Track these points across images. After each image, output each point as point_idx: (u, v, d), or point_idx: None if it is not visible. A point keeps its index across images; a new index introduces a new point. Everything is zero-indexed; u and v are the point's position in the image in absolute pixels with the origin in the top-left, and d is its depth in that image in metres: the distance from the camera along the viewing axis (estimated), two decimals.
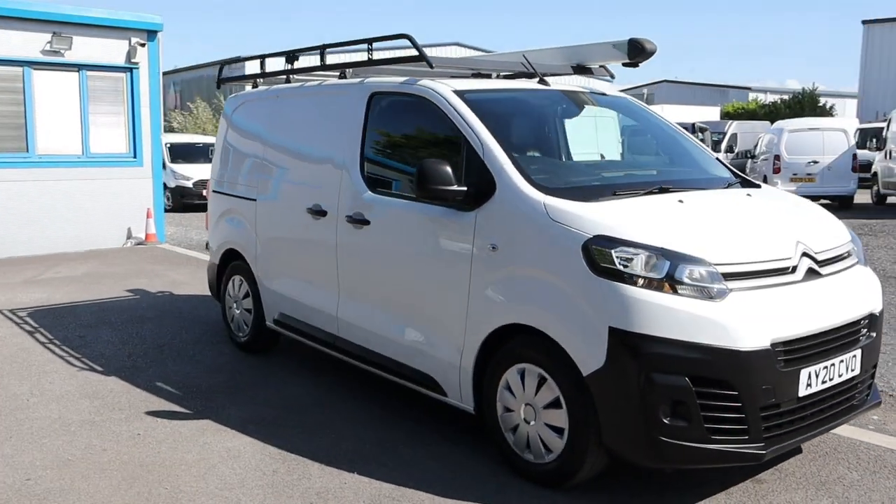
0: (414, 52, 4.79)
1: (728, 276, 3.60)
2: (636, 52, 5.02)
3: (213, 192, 6.76)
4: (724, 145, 26.70)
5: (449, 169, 4.16)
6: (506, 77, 5.42)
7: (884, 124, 23.56)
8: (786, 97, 38.61)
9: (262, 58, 6.26)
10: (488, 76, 5.42)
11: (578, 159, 4.99)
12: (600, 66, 5.58)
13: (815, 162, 18.22)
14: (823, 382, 3.76)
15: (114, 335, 6.99)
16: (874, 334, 4.10)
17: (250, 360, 6.22)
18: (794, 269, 3.80)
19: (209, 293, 7.25)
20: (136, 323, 7.43)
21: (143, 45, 12.37)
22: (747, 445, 3.53)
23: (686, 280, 3.54)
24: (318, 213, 5.29)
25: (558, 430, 3.85)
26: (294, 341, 6.51)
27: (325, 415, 5.02)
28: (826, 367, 3.75)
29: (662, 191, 4.27)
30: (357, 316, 5.06)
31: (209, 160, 20.17)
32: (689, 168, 4.97)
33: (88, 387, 5.58)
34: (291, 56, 5.92)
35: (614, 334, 3.54)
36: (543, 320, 3.82)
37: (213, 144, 20.92)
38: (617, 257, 3.60)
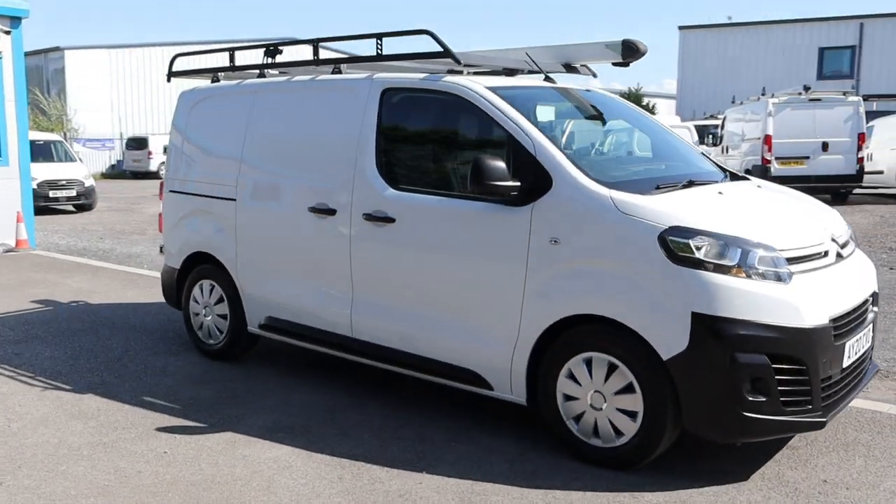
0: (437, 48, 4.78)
1: (788, 261, 3.92)
2: (630, 52, 5.26)
3: (171, 192, 6.34)
4: None
5: (504, 165, 4.22)
6: (507, 73, 5.49)
7: (709, 122, 25.69)
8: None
9: (231, 50, 5.97)
10: (512, 73, 5.41)
11: (608, 154, 5.18)
12: (583, 66, 5.80)
13: None
14: (855, 353, 4.18)
15: (55, 350, 6.40)
16: (876, 309, 4.60)
17: (232, 368, 5.91)
18: (827, 253, 4.19)
19: (128, 301, 6.80)
20: (71, 336, 6.83)
21: (7, 32, 11.28)
22: (812, 415, 3.86)
23: (758, 265, 3.81)
24: (325, 211, 5.13)
25: (631, 414, 4.01)
26: (273, 346, 6.30)
27: (355, 418, 4.89)
28: (857, 340, 4.18)
29: (692, 184, 4.55)
30: (377, 315, 4.97)
31: (56, 159, 18.76)
32: (686, 162, 5.28)
33: (69, 407, 5.10)
34: (273, 50, 5.69)
35: (698, 319, 3.75)
36: (616, 309, 3.97)
37: (57, 142, 19.38)
38: (695, 247, 3.82)
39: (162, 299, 6.85)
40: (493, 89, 4.63)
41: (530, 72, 5.40)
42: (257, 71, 5.97)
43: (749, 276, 3.79)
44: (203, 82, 6.46)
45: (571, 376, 4.19)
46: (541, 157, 4.26)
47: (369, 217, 4.90)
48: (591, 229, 4.07)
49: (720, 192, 4.42)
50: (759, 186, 4.90)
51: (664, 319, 3.84)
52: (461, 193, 4.59)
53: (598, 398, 4.10)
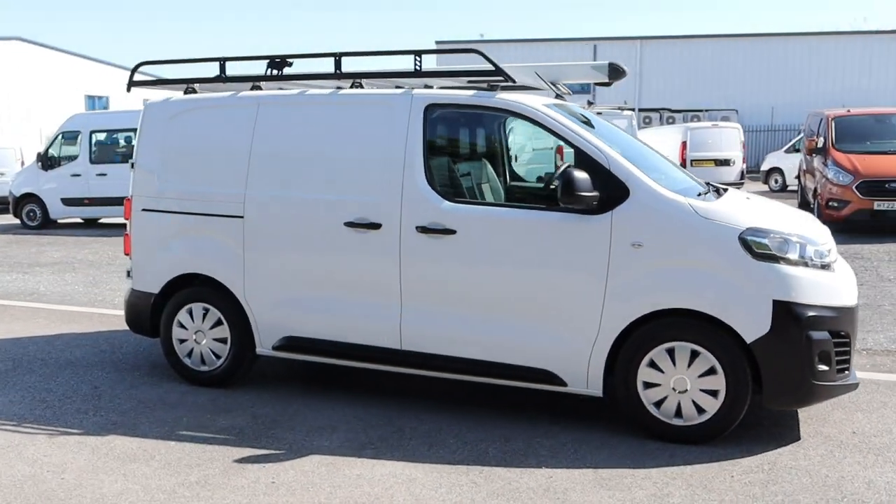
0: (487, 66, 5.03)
1: None
2: (615, 74, 5.85)
3: (144, 211, 5.85)
4: None
5: (589, 177, 4.60)
6: (512, 89, 5.78)
7: None
8: None
9: (222, 60, 5.68)
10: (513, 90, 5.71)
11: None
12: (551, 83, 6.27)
13: None
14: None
15: (18, 393, 5.65)
16: None
17: (238, 394, 5.61)
18: (831, 250, 5.07)
19: (36, 334, 6.19)
20: (23, 374, 6.05)
21: None
22: (851, 378, 4.68)
23: (813, 257, 4.56)
24: (367, 226, 5.14)
25: (713, 393, 4.58)
26: (257, 368, 6.09)
27: (421, 427, 4.96)
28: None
29: (719, 192, 5.24)
30: (432, 325, 5.08)
31: None
32: (677, 174, 5.92)
33: (106, 451, 4.62)
34: (280, 62, 5.53)
35: (778, 305, 4.41)
36: (702, 302, 4.52)
37: None
38: (769, 244, 4.48)
39: (78, 329, 6.28)
40: (551, 107, 4.97)
41: (511, 87, 5.66)
42: (237, 82, 5.75)
43: (808, 266, 4.53)
44: (163, 93, 6.06)
45: (652, 365, 4.66)
46: (615, 170, 4.69)
47: (424, 230, 5.01)
48: (675, 233, 4.58)
49: (748, 198, 5.15)
50: (748, 197, 5.70)
51: (748, 308, 4.45)
52: (530, 204, 4.89)
53: (682, 382, 4.61)
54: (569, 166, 4.66)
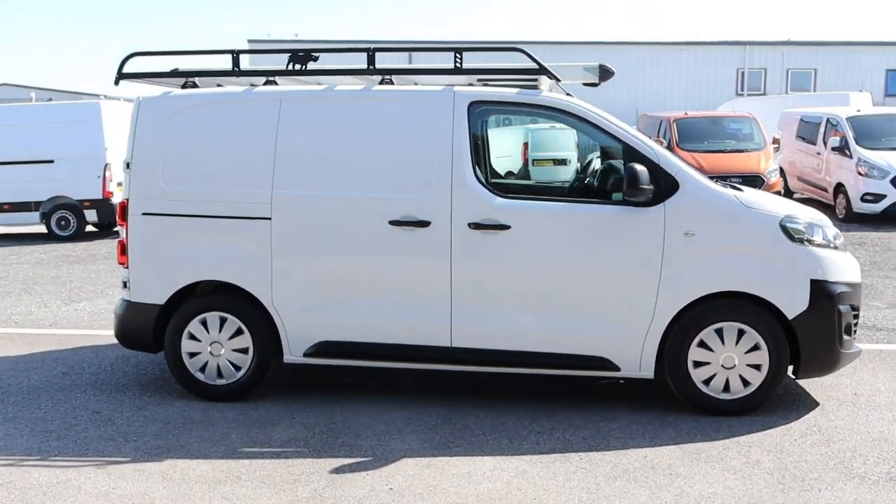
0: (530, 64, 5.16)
1: None
2: (606, 74, 6.18)
3: (146, 215, 5.34)
4: None
5: (647, 171, 4.88)
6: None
7: None
8: None
9: (235, 53, 5.34)
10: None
11: None
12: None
13: None
14: None
15: (9, 426, 4.97)
16: None
17: (271, 406, 5.29)
18: (838, 233, 5.67)
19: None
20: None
21: None
22: (857, 347, 5.32)
23: (832, 240, 5.14)
24: (415, 223, 5.08)
25: (756, 367, 5.02)
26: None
27: (486, 424, 4.99)
28: None
29: (732, 184, 5.73)
30: (485, 320, 5.11)
31: None
32: None
33: (173, 474, 4.24)
34: (304, 56, 5.29)
35: (815, 283, 4.94)
36: (750, 284, 4.94)
37: None
38: (803, 229, 4.99)
39: (14, 352, 5.68)
40: (582, 106, 5.19)
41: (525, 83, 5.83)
42: (255, 76, 5.45)
43: (829, 248, 5.10)
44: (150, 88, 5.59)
45: (702, 345, 5.03)
46: (664, 164, 5.00)
47: (477, 226, 5.05)
48: (724, 221, 4.97)
49: (757, 189, 5.67)
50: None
51: (789, 287, 4.93)
52: (583, 198, 5.09)
53: (730, 359, 5.01)
54: (630, 163, 4.90)
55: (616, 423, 4.96)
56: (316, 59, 5.32)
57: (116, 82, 5.52)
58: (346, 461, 4.44)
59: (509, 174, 12.91)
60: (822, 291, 4.95)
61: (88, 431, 4.90)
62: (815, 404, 5.27)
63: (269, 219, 5.24)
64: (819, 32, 70.91)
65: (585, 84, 6.22)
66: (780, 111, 20.38)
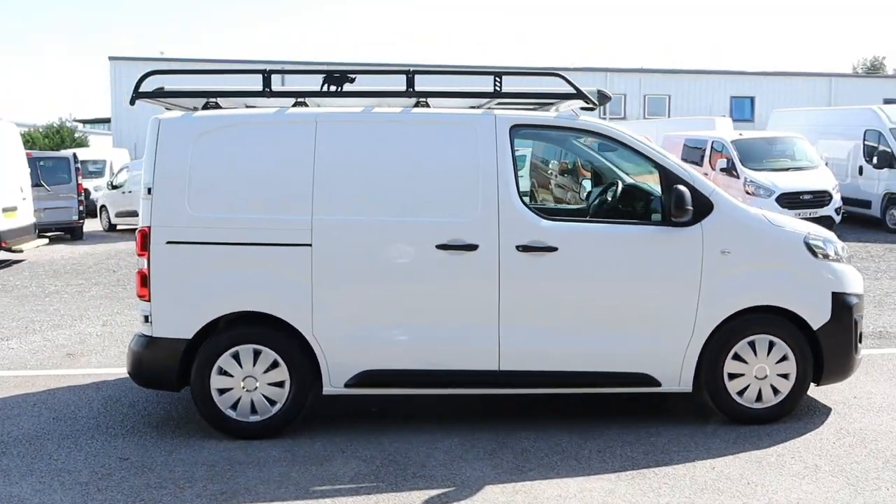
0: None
1: None
2: (604, 99, 6.40)
3: (171, 243, 4.98)
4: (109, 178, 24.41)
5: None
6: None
7: None
8: (41, 128, 37.57)
9: (266, 73, 5.10)
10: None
11: None
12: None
13: None
14: None
15: (33, 479, 4.46)
16: None
17: (306, 440, 5.04)
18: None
19: None
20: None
21: None
22: (860, 353, 5.74)
23: (841, 254, 5.52)
24: (463, 247, 5.04)
25: (785, 376, 5.31)
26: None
27: (540, 444, 5.00)
28: None
29: None
30: (533, 342, 5.13)
31: None
32: None
33: None
34: (340, 77, 5.13)
35: (836, 296, 5.30)
36: (781, 298, 5.24)
37: None
38: (823, 245, 5.35)
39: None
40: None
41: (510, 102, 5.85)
42: (287, 97, 5.23)
43: (841, 262, 5.48)
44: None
45: (736, 357, 5.27)
46: (699, 186, 5.22)
47: (525, 248, 5.07)
48: (756, 240, 5.24)
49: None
50: None
51: (815, 300, 5.27)
52: (625, 219, 5.24)
53: (762, 370, 5.28)
54: (675, 185, 5.07)
55: (664, 437, 5.10)
56: (352, 80, 5.18)
57: (132, 102, 5.16)
58: (432, 493, 4.32)
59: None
60: (841, 303, 5.32)
61: (129, 481, 4.50)
62: (826, 409, 5.62)
63: (310, 245, 5.04)
64: (672, 61, 75.81)
65: (584, 108, 6.40)
66: (643, 134, 21.91)
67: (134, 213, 20.29)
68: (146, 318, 5.10)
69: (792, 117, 21.57)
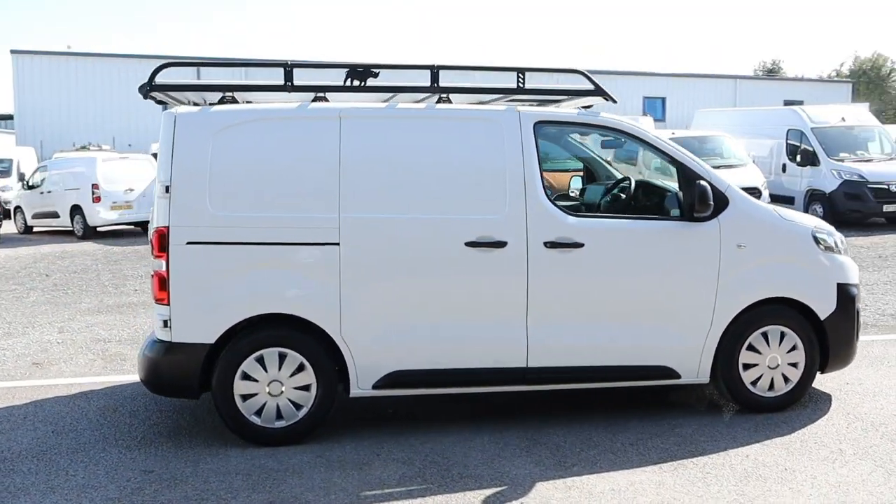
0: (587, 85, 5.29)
1: None
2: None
3: (192, 244, 4.74)
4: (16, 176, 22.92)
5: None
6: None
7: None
8: None
9: (289, 66, 4.92)
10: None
11: None
12: None
13: (132, 189, 18.87)
14: None
15: (56, 498, 4.16)
16: None
17: (335, 444, 4.90)
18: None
19: None
20: (6, 476, 4.40)
21: None
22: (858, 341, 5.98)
23: (840, 246, 5.75)
24: (492, 244, 5.00)
25: (794, 365, 5.50)
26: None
27: (570, 438, 5.02)
28: None
29: None
30: (560, 338, 5.14)
31: None
32: None
33: None
34: (363, 72, 5.01)
35: (840, 287, 5.52)
36: (792, 289, 5.42)
37: None
38: (828, 238, 5.56)
39: None
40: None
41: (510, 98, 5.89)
42: (306, 91, 5.07)
43: (842, 253, 5.71)
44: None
45: (750, 348, 5.42)
46: (715, 182, 5.34)
47: (553, 245, 5.08)
48: (769, 234, 5.40)
49: None
50: None
51: (822, 291, 5.47)
52: (646, 215, 5.31)
53: (774, 360, 5.45)
54: (699, 181, 5.16)
55: (688, 428, 5.20)
56: (376, 75, 5.06)
57: (146, 95, 4.89)
58: (486, 492, 4.27)
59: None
60: (845, 294, 5.54)
61: (164, 494, 4.27)
62: (826, 396, 5.84)
63: (338, 244, 4.90)
64: (587, 62, 77.56)
65: (584, 106, 6.45)
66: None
67: (53, 215, 19.39)
68: (165, 323, 4.84)
69: (715, 117, 22.42)
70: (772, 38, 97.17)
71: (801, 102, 30.73)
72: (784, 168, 18.34)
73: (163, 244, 4.80)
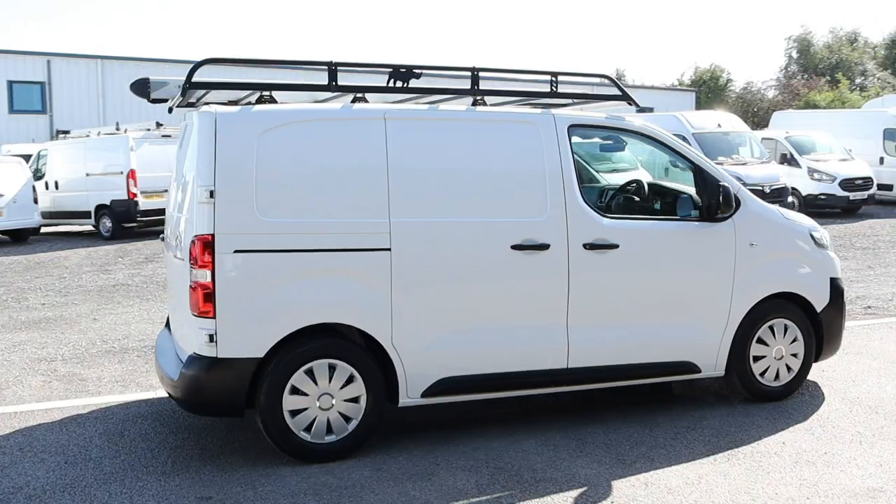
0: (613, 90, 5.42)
1: None
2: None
3: (239, 252, 4.43)
4: None
5: None
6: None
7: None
8: None
9: (332, 66, 4.70)
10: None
11: None
12: None
13: (1, 195, 17.39)
14: None
15: None
16: None
17: (393, 458, 4.73)
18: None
19: None
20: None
21: None
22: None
23: (826, 242, 6.19)
24: (536, 247, 5.02)
25: (795, 356, 5.86)
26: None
27: (607, 436, 5.12)
28: None
29: None
30: (598, 338, 5.23)
31: None
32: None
33: None
34: (406, 73, 4.87)
35: (833, 282, 5.94)
36: (795, 284, 5.78)
37: None
38: (821, 236, 5.97)
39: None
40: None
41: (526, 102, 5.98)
42: (350, 92, 4.88)
43: (829, 249, 6.15)
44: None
45: (759, 341, 5.73)
46: (729, 184, 5.61)
47: (591, 246, 5.16)
48: (776, 233, 5.73)
49: None
50: None
51: (819, 286, 5.87)
52: (670, 216, 5.50)
53: (779, 351, 5.79)
54: (720, 184, 5.39)
55: (714, 420, 5.42)
56: (419, 76, 4.95)
57: (184, 92, 4.54)
58: (571, 494, 4.29)
59: None
60: (836, 287, 5.97)
61: None
62: (813, 384, 6.26)
63: (389, 250, 4.75)
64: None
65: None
66: None
67: None
68: (211, 338, 4.51)
69: None
70: (615, 50, 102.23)
71: (651, 109, 32.49)
72: (666, 172, 19.40)
73: (207, 253, 4.47)
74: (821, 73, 53.20)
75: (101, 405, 5.90)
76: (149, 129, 18.50)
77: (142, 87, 5.34)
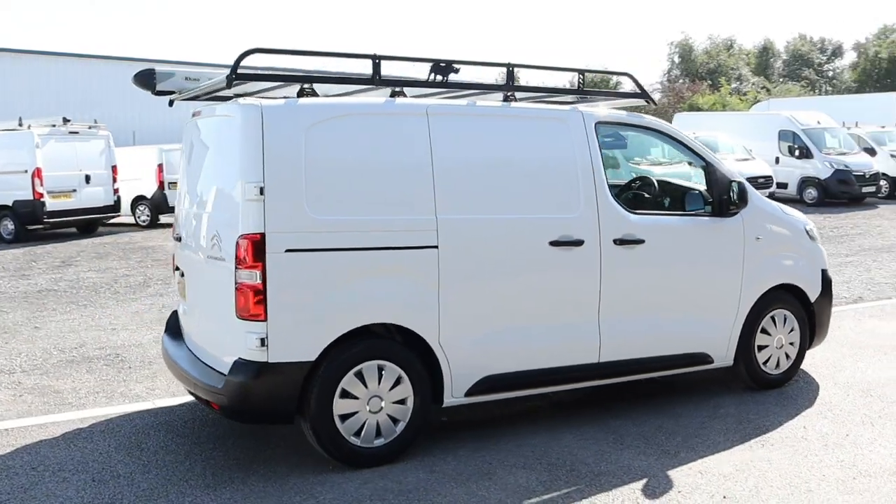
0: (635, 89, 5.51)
1: None
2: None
3: (290, 251, 4.21)
4: None
5: None
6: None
7: None
8: None
9: (376, 58, 4.55)
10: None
11: None
12: None
13: None
14: None
15: None
16: None
17: (441, 459, 4.62)
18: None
19: None
20: None
21: None
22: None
23: (815, 235, 6.50)
24: (571, 243, 5.04)
25: (792, 344, 6.13)
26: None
27: (641, 429, 5.20)
28: None
29: None
30: (626, 332, 5.30)
31: None
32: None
33: None
34: (446, 67, 4.78)
35: (823, 273, 6.26)
36: (794, 276, 6.04)
37: None
38: (814, 230, 6.27)
39: None
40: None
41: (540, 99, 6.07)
42: (390, 86, 4.74)
43: (818, 241, 6.46)
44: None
45: (763, 331, 5.96)
46: (738, 181, 5.81)
47: (621, 242, 5.23)
48: (777, 228, 5.97)
49: None
50: None
51: (813, 278, 6.16)
52: (688, 211, 5.64)
53: (780, 341, 6.04)
54: (735, 181, 5.57)
55: (730, 408, 5.60)
56: (457, 71, 4.87)
57: (230, 84, 4.29)
58: (634, 486, 4.32)
59: None
60: (826, 278, 6.29)
61: None
62: (803, 371, 6.55)
63: (436, 247, 4.65)
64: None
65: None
66: None
67: None
68: (262, 342, 4.28)
69: None
70: (501, 54, 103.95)
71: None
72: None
73: (258, 253, 4.25)
74: (702, 77, 55.91)
75: (99, 418, 5.51)
76: (54, 126, 17.44)
77: (146, 79, 5.04)
